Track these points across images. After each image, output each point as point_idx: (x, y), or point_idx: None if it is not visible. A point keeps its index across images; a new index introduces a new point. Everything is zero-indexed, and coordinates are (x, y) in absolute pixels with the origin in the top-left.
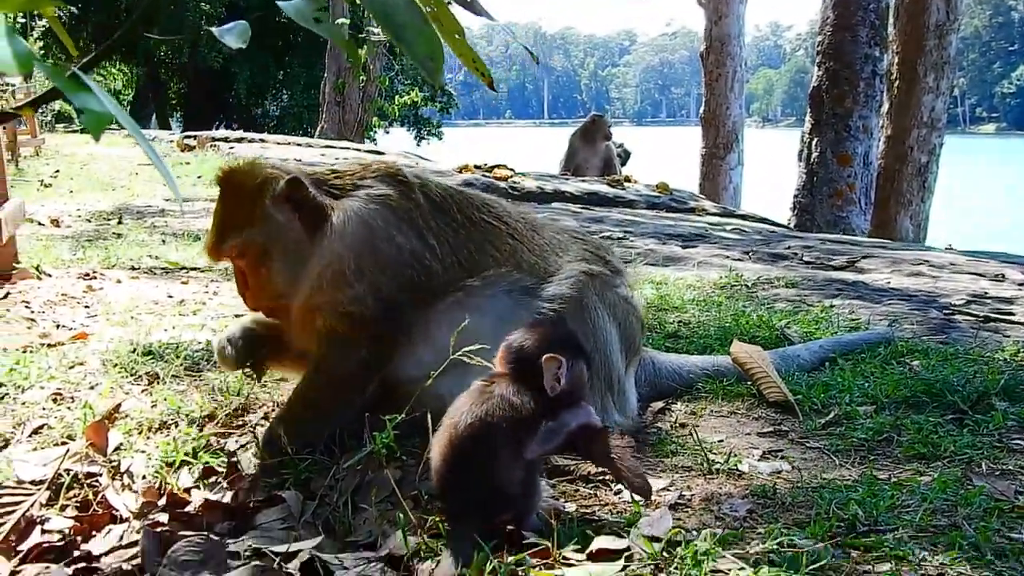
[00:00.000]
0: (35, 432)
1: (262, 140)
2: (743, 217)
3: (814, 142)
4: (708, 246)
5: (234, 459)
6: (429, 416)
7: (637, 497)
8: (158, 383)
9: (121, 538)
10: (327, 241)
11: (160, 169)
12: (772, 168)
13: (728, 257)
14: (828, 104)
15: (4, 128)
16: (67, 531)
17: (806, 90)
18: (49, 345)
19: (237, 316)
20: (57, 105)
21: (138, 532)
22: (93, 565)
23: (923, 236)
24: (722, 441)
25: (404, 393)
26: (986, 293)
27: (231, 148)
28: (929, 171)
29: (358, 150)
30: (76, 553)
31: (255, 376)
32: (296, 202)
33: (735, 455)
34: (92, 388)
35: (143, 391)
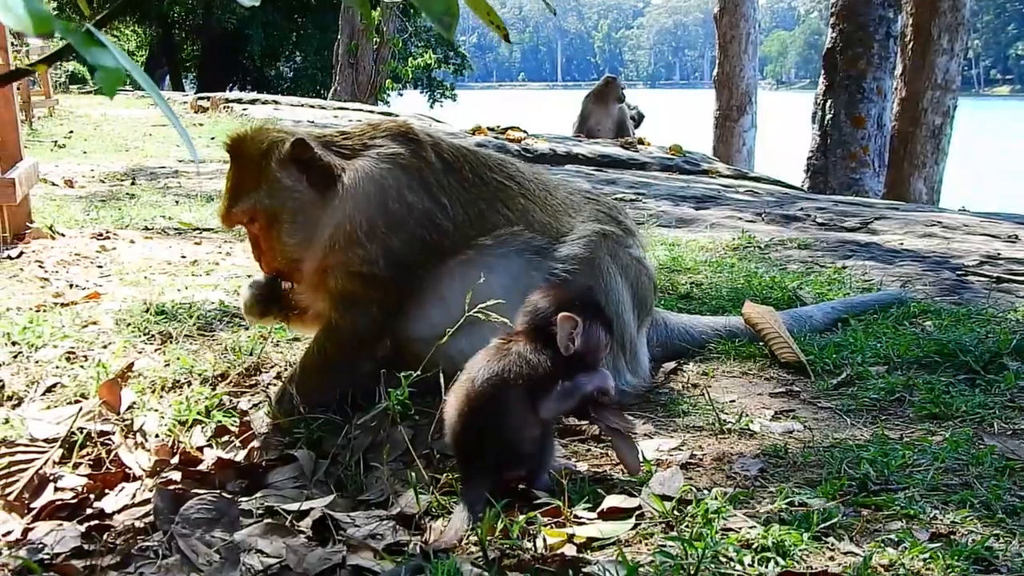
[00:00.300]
0: (48, 390)
1: (275, 102)
2: (756, 179)
3: (828, 104)
4: (721, 208)
5: (246, 418)
6: (442, 375)
7: (647, 458)
8: (171, 342)
9: (134, 496)
10: (337, 201)
11: (176, 127)
12: (786, 130)
13: (741, 219)
14: (842, 66)
15: (18, 88)
16: (80, 489)
17: (820, 52)
18: (62, 304)
19: (250, 276)
20: (71, 66)
21: (150, 490)
22: (106, 522)
23: (937, 199)
24: (734, 401)
25: (415, 352)
26: (999, 254)
27: (244, 110)
28: (943, 133)
29: (371, 112)
30: (89, 511)
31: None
32: (303, 163)
33: (747, 415)
34: (105, 347)
35: (156, 350)
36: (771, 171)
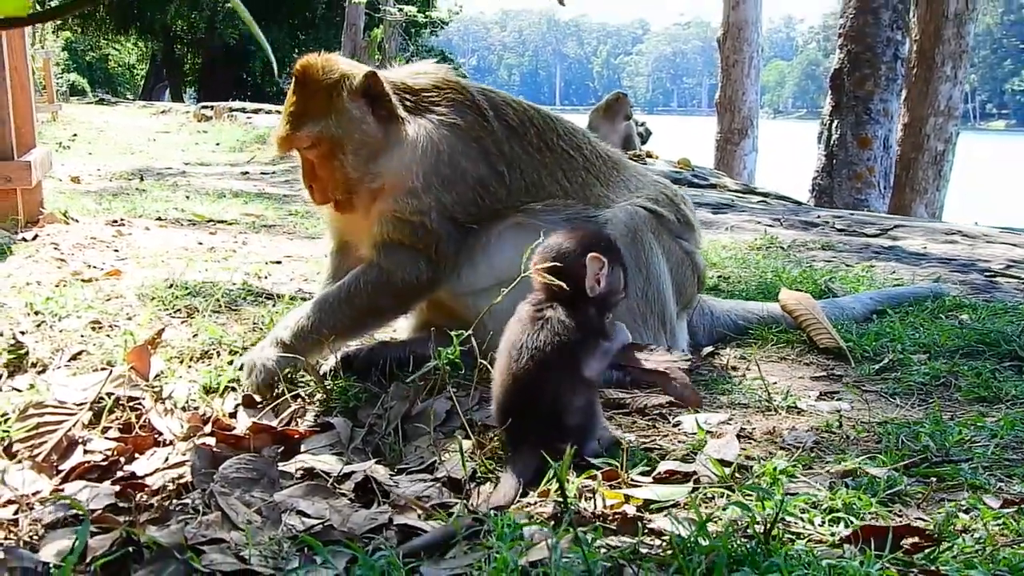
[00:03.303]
0: (74, 358)
1: (279, 112)
2: (764, 194)
3: (834, 124)
4: (738, 213)
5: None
6: (474, 342)
7: (700, 425)
8: (197, 315)
9: (166, 460)
10: (398, 146)
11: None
12: (785, 157)
13: (760, 223)
14: (849, 87)
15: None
16: (110, 452)
17: (818, 83)
18: (83, 280)
19: (270, 263)
20: (72, 76)
21: (183, 454)
22: (139, 482)
23: None
24: (776, 383)
25: (454, 310)
26: None
27: (248, 118)
28: (945, 160)
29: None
30: (120, 474)
31: None
32: (372, 97)
33: (792, 394)
34: (130, 319)
35: (182, 323)
36: None
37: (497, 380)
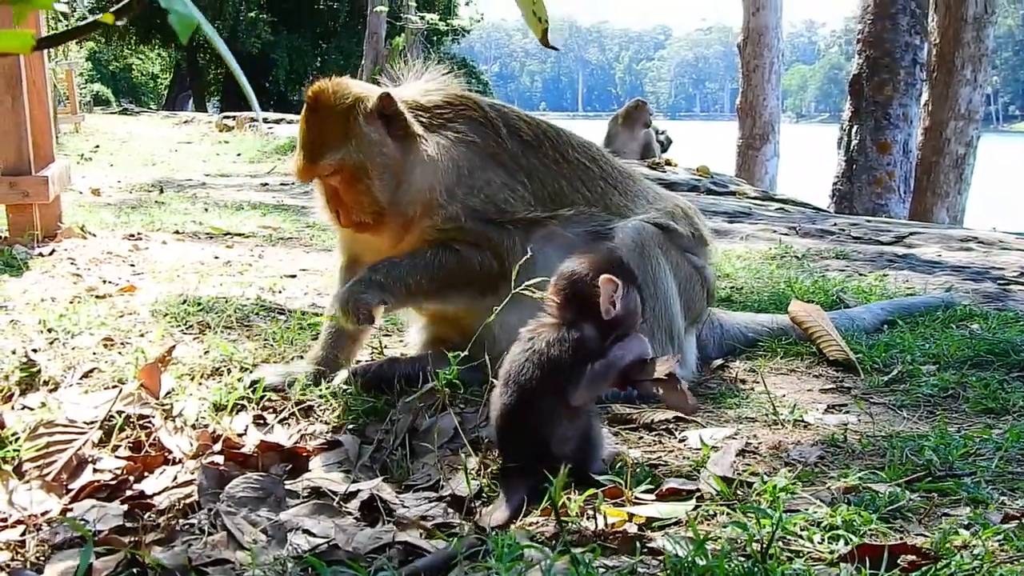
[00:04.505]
0: (85, 375)
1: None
2: (784, 201)
3: (854, 130)
4: (753, 222)
5: (288, 400)
6: (487, 358)
7: (704, 441)
8: (209, 332)
9: (175, 478)
10: (421, 167)
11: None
12: (807, 161)
13: (775, 232)
14: (868, 92)
15: (56, 88)
16: (119, 471)
17: (840, 86)
18: (97, 296)
19: (286, 276)
20: (96, 87)
21: (192, 473)
22: (147, 502)
23: None
24: (784, 396)
25: (467, 330)
26: None
27: (270, 128)
28: (966, 163)
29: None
30: (128, 492)
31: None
32: (387, 118)
33: (800, 408)
34: (142, 335)
35: (194, 339)
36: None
37: (493, 399)
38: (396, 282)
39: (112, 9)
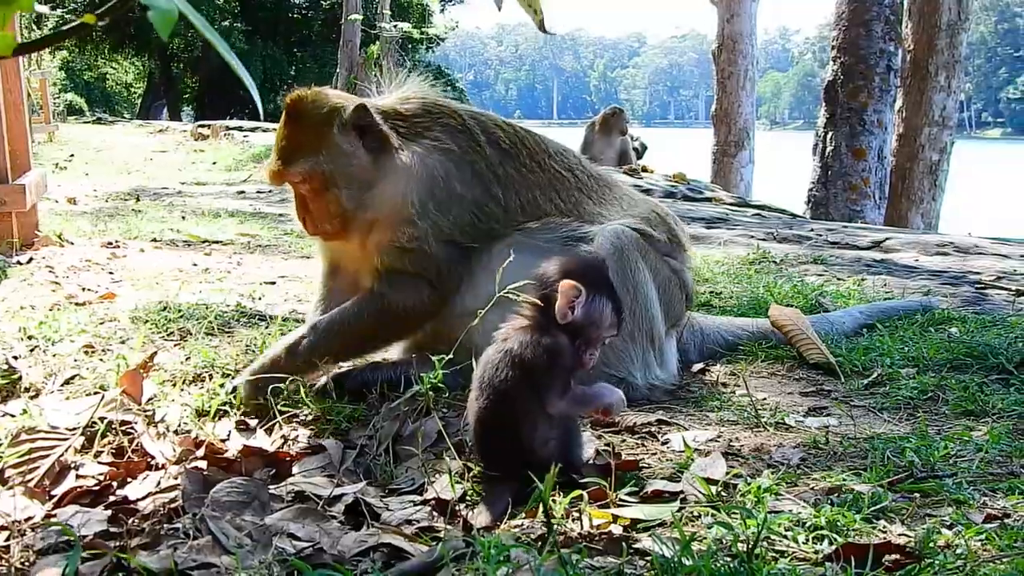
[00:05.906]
0: (67, 382)
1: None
2: (760, 207)
3: (829, 136)
4: (731, 228)
5: (269, 408)
6: (474, 361)
7: (687, 444)
8: (190, 338)
9: (158, 484)
10: (392, 176)
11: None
12: (781, 168)
13: (753, 237)
14: (843, 98)
15: (29, 96)
16: (102, 476)
17: (814, 93)
18: (77, 304)
19: (265, 283)
20: (70, 96)
21: (175, 478)
22: (131, 507)
23: None
24: (765, 399)
25: (451, 335)
26: (1015, 271)
27: (245, 136)
28: (940, 169)
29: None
30: (112, 497)
31: None
32: (362, 129)
33: (781, 411)
34: (123, 342)
35: (176, 346)
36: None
37: (469, 406)
38: (303, 360)
39: (98, 12)
